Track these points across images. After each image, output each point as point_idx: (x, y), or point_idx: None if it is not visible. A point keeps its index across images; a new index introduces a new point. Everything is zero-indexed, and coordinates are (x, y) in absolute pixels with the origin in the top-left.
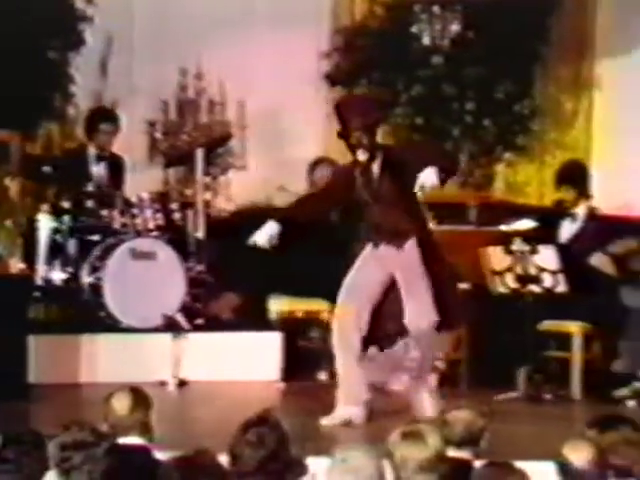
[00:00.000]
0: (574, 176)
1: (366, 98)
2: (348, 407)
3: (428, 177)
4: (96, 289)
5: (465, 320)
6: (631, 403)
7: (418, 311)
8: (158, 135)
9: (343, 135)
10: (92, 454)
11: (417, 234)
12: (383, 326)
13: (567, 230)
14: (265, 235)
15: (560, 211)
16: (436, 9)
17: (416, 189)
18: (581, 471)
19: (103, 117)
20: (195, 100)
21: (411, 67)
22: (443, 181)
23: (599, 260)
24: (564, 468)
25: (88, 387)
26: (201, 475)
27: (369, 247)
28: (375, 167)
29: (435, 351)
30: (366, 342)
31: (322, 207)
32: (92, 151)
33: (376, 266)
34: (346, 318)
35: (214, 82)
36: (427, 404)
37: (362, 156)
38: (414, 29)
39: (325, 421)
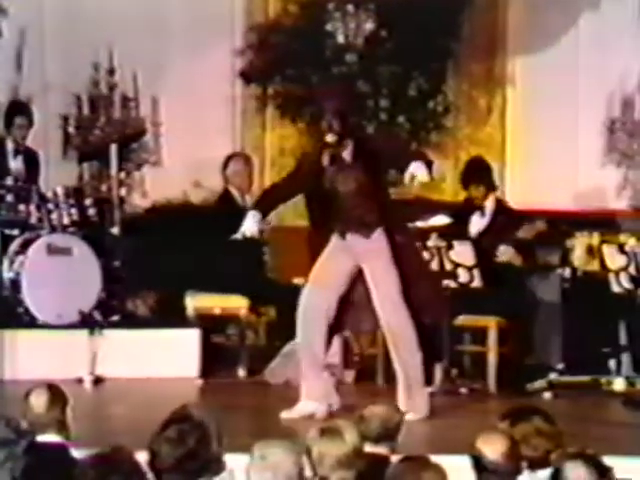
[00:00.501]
0: (479, 173)
1: (342, 85)
2: (310, 402)
3: (418, 169)
4: (15, 284)
5: (445, 314)
6: (547, 395)
7: (385, 303)
8: (71, 130)
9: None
10: (13, 452)
11: (385, 225)
12: (353, 317)
13: (476, 225)
14: (253, 225)
15: (473, 207)
16: (350, 8)
17: (406, 180)
18: (495, 463)
19: (18, 111)
20: (108, 95)
21: (325, 65)
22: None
23: (504, 253)
24: (478, 461)
25: (10, 384)
26: (117, 473)
27: (335, 238)
28: (346, 154)
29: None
30: (331, 332)
31: (287, 196)
32: (10, 145)
33: (343, 256)
34: (312, 308)
35: (127, 77)
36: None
37: (331, 139)
38: (328, 27)
39: (285, 414)
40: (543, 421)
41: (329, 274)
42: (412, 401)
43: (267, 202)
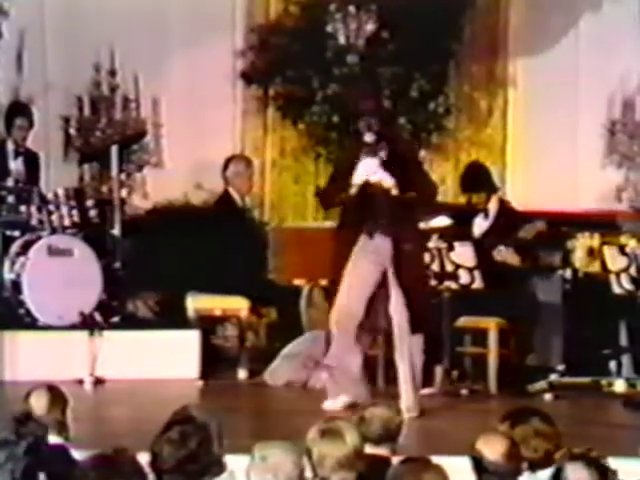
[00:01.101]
0: (479, 180)
1: (374, 86)
2: (346, 394)
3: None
4: (16, 286)
5: (428, 326)
6: (548, 396)
7: (399, 305)
8: (72, 131)
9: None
10: (14, 452)
11: (409, 228)
12: (372, 319)
13: (479, 226)
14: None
15: (475, 208)
16: (351, 9)
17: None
18: (495, 464)
19: (18, 112)
20: (109, 96)
21: (326, 66)
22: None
23: (502, 254)
24: (478, 462)
25: (10, 385)
26: (118, 474)
27: (363, 238)
28: (382, 154)
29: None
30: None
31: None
32: (10, 146)
33: (371, 257)
34: (344, 310)
35: (128, 78)
36: None
37: (369, 138)
38: (329, 28)
39: (328, 405)
40: (542, 422)
41: (361, 276)
42: (410, 401)
43: (327, 202)
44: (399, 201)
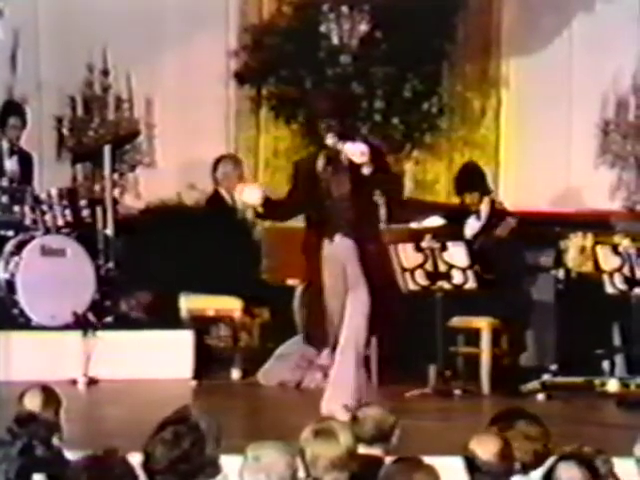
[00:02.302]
0: (473, 181)
1: (338, 87)
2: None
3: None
4: (10, 286)
5: (395, 329)
6: (541, 396)
7: (356, 309)
8: (65, 131)
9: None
10: (8, 453)
11: (370, 230)
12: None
13: (471, 227)
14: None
15: (467, 209)
16: (344, 9)
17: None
18: (488, 464)
19: (12, 111)
20: (102, 96)
21: (320, 66)
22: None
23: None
24: (471, 462)
25: (4, 385)
26: (109, 475)
27: (326, 242)
28: (343, 156)
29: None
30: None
31: (295, 211)
32: (4, 145)
33: (336, 260)
34: (334, 313)
35: (121, 78)
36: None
37: (330, 140)
38: (322, 28)
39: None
40: (528, 424)
41: (332, 279)
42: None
43: (273, 215)
44: (360, 203)
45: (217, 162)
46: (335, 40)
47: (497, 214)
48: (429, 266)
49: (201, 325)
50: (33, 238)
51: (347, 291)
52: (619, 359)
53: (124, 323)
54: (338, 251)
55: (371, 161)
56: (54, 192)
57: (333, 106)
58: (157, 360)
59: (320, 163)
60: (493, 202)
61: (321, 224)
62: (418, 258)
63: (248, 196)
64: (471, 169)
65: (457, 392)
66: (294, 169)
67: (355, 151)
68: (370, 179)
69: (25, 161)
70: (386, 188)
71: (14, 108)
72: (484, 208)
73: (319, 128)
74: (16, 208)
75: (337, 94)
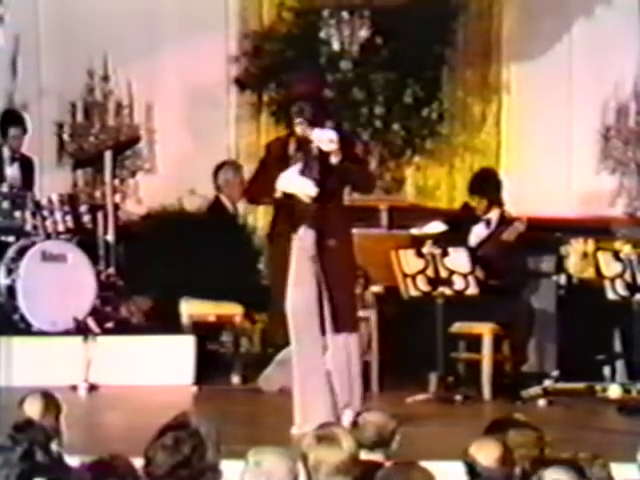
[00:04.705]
0: (484, 186)
1: (313, 72)
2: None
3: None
4: (11, 291)
5: (354, 328)
6: (542, 402)
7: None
8: (66, 137)
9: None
10: (9, 458)
11: (335, 225)
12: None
13: (478, 235)
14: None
15: (469, 215)
16: (345, 15)
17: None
18: (488, 470)
19: (12, 122)
20: (102, 102)
21: (320, 72)
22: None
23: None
24: (472, 468)
25: (5, 391)
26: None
27: (294, 236)
28: (314, 147)
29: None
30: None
31: (265, 190)
32: (6, 152)
33: (303, 253)
34: (300, 312)
35: (122, 84)
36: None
37: (299, 126)
38: (323, 34)
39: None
40: (519, 432)
41: (299, 275)
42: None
43: (256, 198)
44: (326, 194)
45: (218, 169)
46: (335, 46)
47: (505, 222)
48: (430, 272)
49: (202, 331)
50: (34, 244)
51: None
52: (620, 365)
53: (125, 329)
54: (303, 243)
55: (340, 150)
56: (55, 198)
57: (306, 89)
58: (158, 366)
59: (291, 148)
60: (503, 212)
61: (288, 214)
62: (419, 264)
63: None
64: (487, 175)
65: (458, 398)
66: (265, 150)
67: (323, 138)
68: (338, 169)
69: (26, 167)
70: (354, 181)
71: (14, 118)
72: (494, 217)
73: (290, 111)
74: (17, 214)
75: (313, 78)
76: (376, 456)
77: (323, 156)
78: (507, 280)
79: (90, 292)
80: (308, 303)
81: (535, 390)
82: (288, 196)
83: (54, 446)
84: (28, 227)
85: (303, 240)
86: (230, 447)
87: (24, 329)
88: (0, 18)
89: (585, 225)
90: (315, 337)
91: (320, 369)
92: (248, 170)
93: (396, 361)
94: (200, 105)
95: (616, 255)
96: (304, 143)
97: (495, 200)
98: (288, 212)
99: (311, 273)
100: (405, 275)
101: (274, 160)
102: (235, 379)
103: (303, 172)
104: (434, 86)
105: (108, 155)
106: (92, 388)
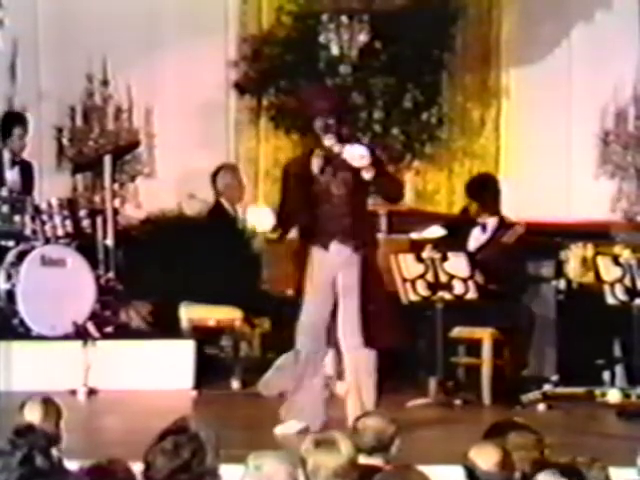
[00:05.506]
0: (480, 191)
1: (331, 87)
2: (299, 419)
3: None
4: (10, 296)
5: (396, 340)
6: (541, 406)
7: (348, 323)
8: (65, 142)
9: (306, 125)
10: (8, 463)
11: (367, 240)
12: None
13: (477, 239)
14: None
15: (468, 219)
16: (344, 19)
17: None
18: (488, 474)
19: (16, 122)
20: (102, 107)
21: (319, 76)
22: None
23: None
24: (472, 472)
25: (4, 396)
26: None
27: (315, 250)
28: (342, 159)
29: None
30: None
31: (292, 222)
32: (6, 156)
33: (326, 269)
34: (312, 324)
35: (121, 88)
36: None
37: (329, 141)
38: (322, 39)
39: (280, 430)
40: (519, 435)
41: (319, 288)
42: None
43: (286, 225)
44: (358, 209)
45: (216, 173)
46: (335, 50)
47: (504, 227)
48: (430, 276)
49: (201, 335)
50: (33, 248)
51: (334, 302)
52: (620, 369)
53: (124, 333)
54: (332, 259)
55: (371, 165)
56: (54, 202)
57: (330, 104)
58: (157, 370)
59: (316, 164)
60: (502, 217)
61: (313, 230)
62: (419, 268)
63: (259, 221)
64: (483, 181)
65: (458, 402)
66: (284, 173)
67: (355, 154)
68: (369, 184)
69: (26, 171)
70: (387, 192)
71: (17, 118)
72: (491, 222)
73: (315, 127)
74: (16, 218)
75: (332, 90)
76: (375, 460)
77: (354, 171)
78: (507, 285)
79: (89, 296)
80: (322, 314)
81: (535, 395)
82: (315, 214)
83: (54, 451)
84: (27, 231)
85: (333, 255)
86: (229, 451)
87: (23, 333)
88: (0, 22)
89: (584, 230)
90: (321, 346)
91: (320, 372)
92: (248, 174)
93: (396, 365)
94: (199, 110)
95: (615, 260)
96: (332, 159)
97: (488, 207)
98: (313, 228)
99: (331, 291)
100: (405, 280)
101: (296, 182)
102: (235, 384)
103: (329, 188)
104: (433, 91)
105: (107, 159)
106: (91, 392)
